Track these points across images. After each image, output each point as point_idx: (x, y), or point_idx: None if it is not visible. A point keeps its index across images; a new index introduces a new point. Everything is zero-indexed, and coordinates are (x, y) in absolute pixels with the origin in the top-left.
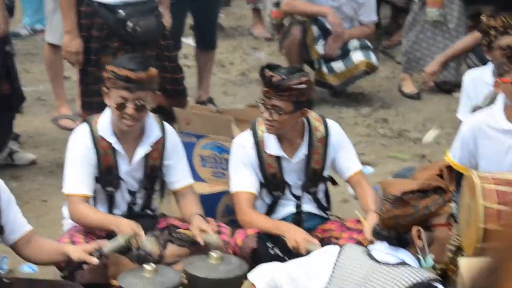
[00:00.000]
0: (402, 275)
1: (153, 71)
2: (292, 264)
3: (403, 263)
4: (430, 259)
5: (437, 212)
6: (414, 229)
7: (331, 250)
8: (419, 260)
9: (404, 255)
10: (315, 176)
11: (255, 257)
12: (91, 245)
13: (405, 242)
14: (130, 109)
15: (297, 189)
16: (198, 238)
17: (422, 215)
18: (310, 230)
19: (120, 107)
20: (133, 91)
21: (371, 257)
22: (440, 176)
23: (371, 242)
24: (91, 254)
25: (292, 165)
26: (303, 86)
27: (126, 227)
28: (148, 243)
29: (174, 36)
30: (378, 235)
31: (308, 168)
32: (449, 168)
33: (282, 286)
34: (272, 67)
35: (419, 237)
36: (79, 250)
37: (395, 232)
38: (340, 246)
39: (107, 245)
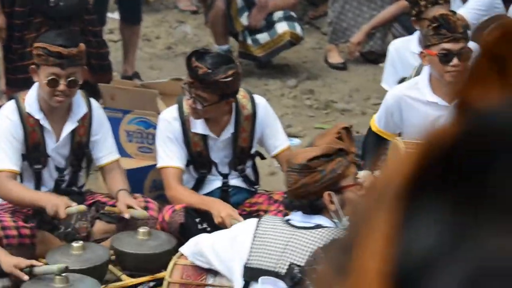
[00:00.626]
0: (321, 235)
1: (82, 46)
2: (216, 236)
3: (320, 226)
4: (346, 222)
5: (344, 173)
6: (325, 194)
7: (249, 222)
8: (335, 224)
9: (320, 220)
10: (243, 154)
11: (183, 232)
12: (24, 262)
13: (318, 208)
14: (62, 85)
15: (224, 166)
16: (125, 214)
17: (330, 178)
18: (237, 205)
19: (53, 84)
20: (65, 67)
21: (290, 224)
22: (339, 139)
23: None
24: (21, 269)
25: (219, 143)
26: (229, 79)
27: (57, 203)
28: (77, 218)
29: (99, 11)
30: (290, 206)
31: (236, 146)
32: (346, 129)
33: (208, 258)
34: (199, 54)
35: (331, 201)
36: (10, 264)
37: (307, 201)
38: (259, 217)
39: (40, 268)
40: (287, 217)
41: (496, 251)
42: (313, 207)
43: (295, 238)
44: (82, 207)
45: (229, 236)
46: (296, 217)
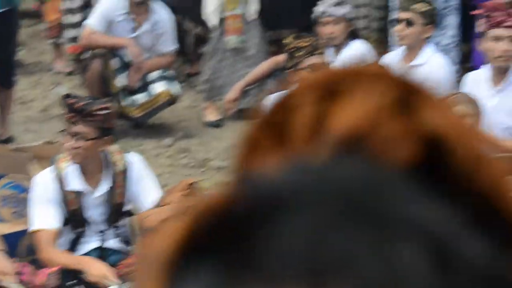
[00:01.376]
0: None
1: None
2: None
3: None
4: None
5: None
6: None
7: None
8: None
9: None
10: (118, 210)
11: None
12: None
13: None
14: None
15: (100, 224)
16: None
17: None
18: (113, 265)
19: None
20: None
21: None
22: (187, 195)
23: None
24: None
25: (94, 200)
26: (106, 111)
27: None
28: None
29: None
30: None
31: (111, 203)
32: (193, 185)
33: None
34: (73, 95)
35: None
36: None
37: None
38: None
39: None
40: None
41: None
42: None
43: None
44: None
45: None
46: None
